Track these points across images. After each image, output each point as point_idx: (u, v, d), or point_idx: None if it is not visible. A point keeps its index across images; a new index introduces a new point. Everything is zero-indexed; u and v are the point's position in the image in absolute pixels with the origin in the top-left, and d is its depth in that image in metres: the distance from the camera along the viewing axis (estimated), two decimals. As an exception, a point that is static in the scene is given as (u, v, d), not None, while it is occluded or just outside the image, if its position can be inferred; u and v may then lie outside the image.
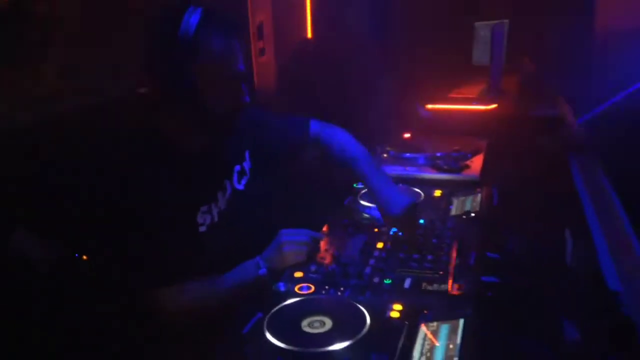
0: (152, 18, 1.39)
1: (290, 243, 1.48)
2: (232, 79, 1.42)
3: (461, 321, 1.18)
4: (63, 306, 1.62)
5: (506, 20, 3.05)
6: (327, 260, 1.51)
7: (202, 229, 1.48)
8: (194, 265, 1.40)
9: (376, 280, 1.40)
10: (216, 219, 1.52)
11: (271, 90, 2.80)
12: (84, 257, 1.99)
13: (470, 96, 2.77)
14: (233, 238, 1.51)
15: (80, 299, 1.74)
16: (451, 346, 1.11)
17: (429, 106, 2.73)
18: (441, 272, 1.41)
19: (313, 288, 1.37)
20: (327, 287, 1.38)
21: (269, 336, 1.14)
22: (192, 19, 1.33)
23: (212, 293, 1.41)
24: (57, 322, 1.59)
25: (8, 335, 1.43)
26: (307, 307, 1.24)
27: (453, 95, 2.81)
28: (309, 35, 3.26)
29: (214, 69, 1.37)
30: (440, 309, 1.25)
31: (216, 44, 1.36)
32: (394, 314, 1.24)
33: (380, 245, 1.59)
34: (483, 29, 3.26)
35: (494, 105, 2.68)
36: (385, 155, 2.31)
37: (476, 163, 2.19)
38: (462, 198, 1.91)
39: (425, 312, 1.24)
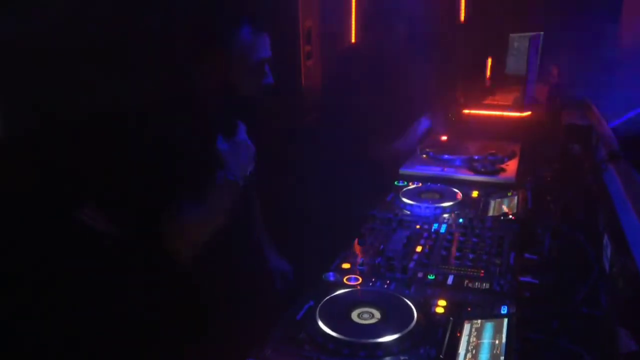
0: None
1: None
2: (256, 65, 1.53)
3: (505, 320, 1.12)
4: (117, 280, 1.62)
5: (541, 32, 2.93)
6: (373, 253, 1.46)
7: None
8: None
9: (420, 275, 1.35)
10: None
11: (317, 91, 2.75)
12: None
13: (505, 103, 2.68)
14: None
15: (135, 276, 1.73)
16: (497, 343, 1.06)
17: (466, 111, 2.65)
18: (482, 272, 1.36)
19: (361, 280, 1.32)
20: (373, 279, 1.33)
21: (321, 324, 1.10)
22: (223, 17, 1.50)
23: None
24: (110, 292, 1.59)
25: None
26: (356, 298, 1.20)
27: (489, 101, 2.72)
28: (353, 40, 3.21)
29: (240, 58, 1.50)
30: (482, 307, 1.20)
31: (243, 37, 1.49)
32: (439, 310, 1.19)
33: (422, 241, 1.53)
34: (517, 40, 3.15)
35: (527, 113, 2.58)
36: (424, 156, 2.25)
37: (512, 166, 2.11)
38: (499, 200, 1.83)
39: (469, 309, 1.19)
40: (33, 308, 1.42)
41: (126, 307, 1.61)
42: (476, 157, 2.13)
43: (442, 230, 1.61)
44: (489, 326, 1.11)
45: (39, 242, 1.43)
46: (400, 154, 2.29)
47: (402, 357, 1.02)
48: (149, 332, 1.52)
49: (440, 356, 1.03)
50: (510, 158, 2.15)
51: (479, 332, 1.10)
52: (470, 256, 1.42)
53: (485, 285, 1.29)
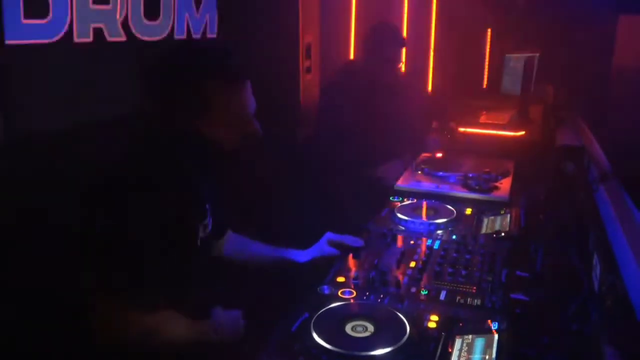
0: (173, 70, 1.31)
1: None
2: (247, 120, 1.35)
3: (496, 336, 1.15)
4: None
5: (537, 54, 3.00)
6: (367, 267, 1.49)
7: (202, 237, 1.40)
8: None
9: (413, 290, 1.37)
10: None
11: (314, 105, 2.79)
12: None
13: (500, 122, 2.72)
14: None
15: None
16: (487, 358, 1.08)
17: (462, 129, 2.70)
18: (474, 288, 1.38)
19: (355, 293, 1.35)
20: (367, 293, 1.35)
21: (315, 336, 1.12)
22: (202, 73, 1.27)
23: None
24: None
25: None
26: (350, 312, 1.23)
27: (484, 120, 2.77)
28: (352, 56, 3.26)
29: (227, 116, 1.31)
30: (474, 322, 1.22)
31: (226, 94, 1.29)
32: (431, 324, 1.21)
33: (416, 256, 1.56)
34: (513, 60, 3.22)
35: (522, 132, 2.63)
36: (419, 172, 2.28)
37: (505, 185, 2.15)
38: (492, 217, 1.87)
39: (461, 324, 1.21)
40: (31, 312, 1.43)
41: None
42: (470, 175, 2.17)
43: (436, 246, 1.64)
44: (479, 341, 1.14)
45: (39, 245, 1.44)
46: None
47: (394, 370, 1.04)
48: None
49: (432, 370, 1.05)
50: (504, 176, 2.19)
51: (470, 347, 1.12)
52: (463, 272, 1.45)
53: (477, 301, 1.32)
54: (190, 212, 1.34)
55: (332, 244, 1.62)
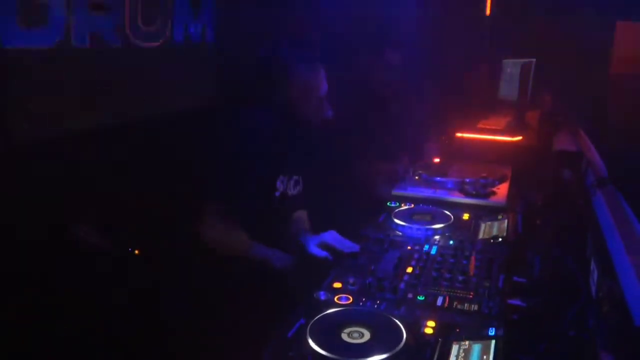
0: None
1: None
2: (317, 99, 1.72)
3: (492, 342, 1.14)
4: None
5: (533, 59, 3.00)
6: (364, 273, 1.48)
7: (277, 193, 1.75)
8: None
9: (410, 295, 1.37)
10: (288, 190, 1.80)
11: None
12: (136, 252, 2.01)
13: (497, 127, 2.72)
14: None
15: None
16: (483, 366, 1.07)
17: (459, 134, 2.70)
18: (471, 294, 1.38)
19: (351, 299, 1.34)
20: (364, 299, 1.35)
21: (311, 343, 1.11)
22: (288, 57, 1.69)
23: (244, 248, 1.65)
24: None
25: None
26: (347, 318, 1.22)
27: (481, 125, 2.77)
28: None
29: (304, 92, 1.70)
30: (471, 328, 1.22)
31: (305, 74, 1.69)
32: (428, 330, 1.20)
33: (413, 262, 1.55)
34: (511, 65, 3.22)
35: (519, 137, 2.63)
36: (417, 177, 2.28)
37: (502, 190, 2.14)
38: (489, 223, 1.86)
39: (458, 330, 1.21)
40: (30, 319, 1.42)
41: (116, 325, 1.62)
42: (468, 180, 2.16)
43: (433, 251, 1.63)
44: (476, 348, 1.13)
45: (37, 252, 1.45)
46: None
47: (390, 377, 1.03)
48: (142, 346, 1.53)
49: (428, 376, 1.04)
50: (501, 181, 2.19)
51: (467, 354, 1.11)
52: (460, 278, 1.44)
53: (474, 307, 1.31)
54: (270, 167, 1.71)
55: (324, 247, 1.66)
